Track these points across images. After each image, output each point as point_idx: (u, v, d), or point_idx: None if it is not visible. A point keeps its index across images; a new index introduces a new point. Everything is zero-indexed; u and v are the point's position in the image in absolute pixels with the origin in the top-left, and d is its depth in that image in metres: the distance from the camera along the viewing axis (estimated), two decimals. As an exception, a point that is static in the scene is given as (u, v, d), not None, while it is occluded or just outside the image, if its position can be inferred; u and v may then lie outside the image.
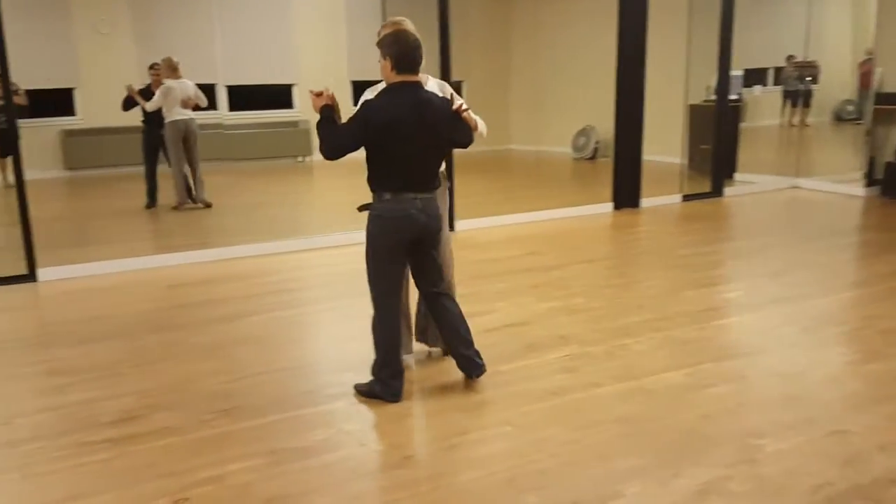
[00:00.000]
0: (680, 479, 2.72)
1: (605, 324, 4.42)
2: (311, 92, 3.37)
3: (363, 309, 4.86)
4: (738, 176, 9.30)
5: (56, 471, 2.89)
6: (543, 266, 5.80)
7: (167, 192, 7.85)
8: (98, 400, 3.51)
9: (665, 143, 8.75)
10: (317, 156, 10.85)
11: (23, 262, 5.63)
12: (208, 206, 7.83)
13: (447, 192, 3.83)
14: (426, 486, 2.72)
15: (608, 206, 8.07)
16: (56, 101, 8.65)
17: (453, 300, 3.65)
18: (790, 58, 9.90)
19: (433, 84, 3.58)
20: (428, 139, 3.31)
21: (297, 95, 10.35)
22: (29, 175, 5.61)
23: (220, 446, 3.05)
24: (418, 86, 3.31)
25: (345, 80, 10.80)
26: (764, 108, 10.36)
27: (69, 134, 8.66)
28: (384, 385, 3.43)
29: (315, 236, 6.67)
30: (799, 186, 9.15)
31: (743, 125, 9.51)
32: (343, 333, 4.44)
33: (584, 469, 2.81)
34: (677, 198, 8.45)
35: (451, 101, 3.39)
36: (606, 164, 8.61)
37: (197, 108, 7.79)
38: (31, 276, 5.65)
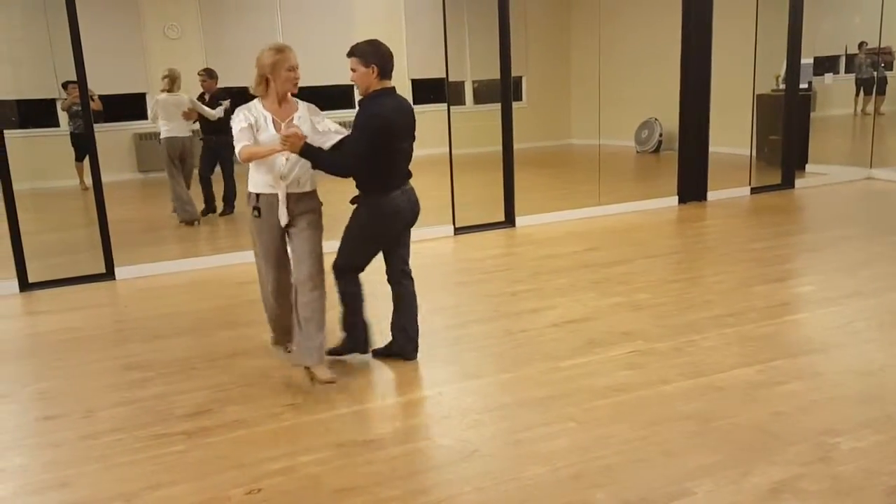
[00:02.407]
0: (752, 477, 2.66)
1: (671, 320, 4.35)
2: (283, 137, 3.41)
3: (428, 305, 4.90)
4: (809, 167, 9.01)
5: (135, 461, 3.01)
6: (606, 262, 5.74)
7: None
8: (173, 394, 3.64)
9: (732, 135, 8.53)
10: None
11: (101, 262, 5.87)
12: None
13: None
14: (492, 481, 2.73)
15: (673, 200, 7.92)
16: (129, 106, 8.97)
17: (413, 282, 3.96)
18: (863, 44, 9.52)
19: (303, 107, 3.65)
20: (411, 137, 3.74)
21: (358, 96, 10.48)
22: (105, 178, 5.84)
23: (289, 439, 3.13)
24: (395, 90, 3.66)
25: (404, 78, 10.91)
26: (835, 96, 9.99)
27: (142, 137, 8.96)
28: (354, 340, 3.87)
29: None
30: (873, 177, 8.81)
31: (814, 115, 9.20)
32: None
33: (652, 466, 2.78)
34: (746, 190, 8.24)
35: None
36: (671, 157, 8.45)
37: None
38: (109, 275, 5.88)
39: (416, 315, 3.94)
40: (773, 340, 3.97)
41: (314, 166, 3.54)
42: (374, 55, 3.53)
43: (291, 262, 3.68)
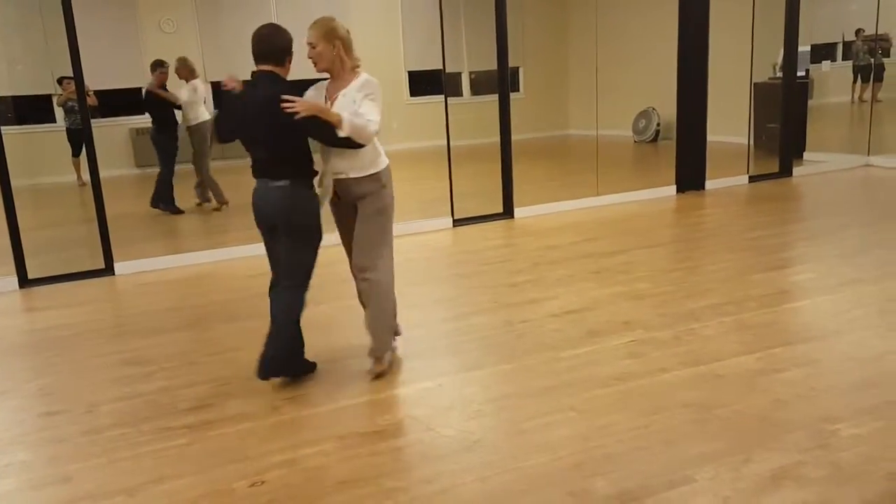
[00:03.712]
0: (752, 464, 2.68)
1: (670, 308, 4.36)
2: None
3: (427, 296, 4.93)
4: (807, 155, 9.01)
5: (139, 455, 3.02)
6: (605, 252, 5.74)
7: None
8: (174, 388, 3.65)
9: (730, 123, 8.52)
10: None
11: (100, 257, 5.87)
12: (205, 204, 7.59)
13: None
14: (494, 470, 2.74)
15: (671, 190, 7.93)
16: (125, 101, 8.94)
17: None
18: (860, 31, 9.50)
19: (357, 83, 3.47)
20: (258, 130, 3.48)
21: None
22: (102, 173, 5.83)
23: (292, 431, 3.14)
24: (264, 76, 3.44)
25: (401, 70, 10.87)
26: (833, 84, 9.98)
27: (139, 132, 8.94)
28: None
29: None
30: (871, 164, 8.81)
31: (811, 102, 9.19)
32: (408, 320, 4.48)
33: (653, 454, 2.79)
34: (744, 179, 8.25)
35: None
36: (669, 146, 8.45)
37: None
38: (108, 270, 5.88)
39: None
40: (772, 328, 3.99)
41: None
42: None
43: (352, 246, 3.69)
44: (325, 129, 3.28)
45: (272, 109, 3.22)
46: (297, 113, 3.18)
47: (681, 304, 4.44)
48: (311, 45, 3.41)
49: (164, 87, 7.50)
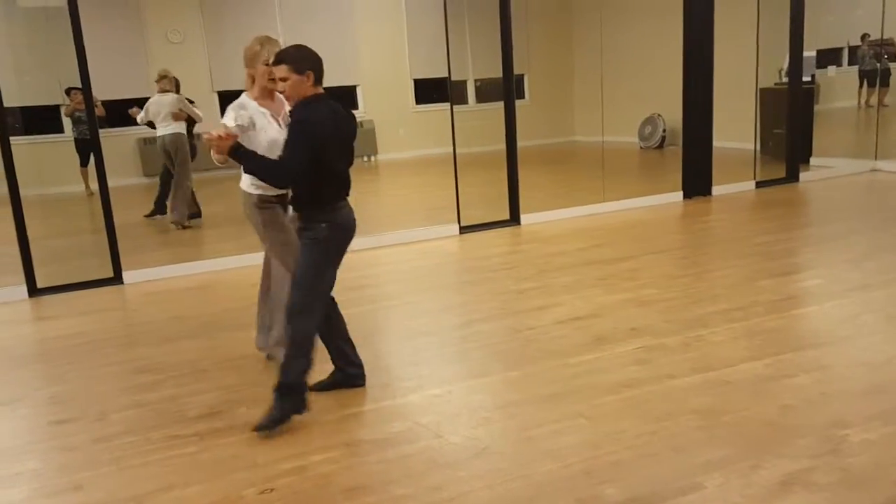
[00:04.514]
0: (762, 470, 2.67)
1: (678, 315, 4.36)
2: (211, 136, 3.10)
3: (435, 304, 4.94)
4: (813, 160, 9.00)
5: (148, 463, 3.03)
6: (611, 258, 5.74)
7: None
8: (184, 396, 3.66)
9: (736, 129, 8.52)
10: (382, 155, 10.91)
11: (109, 266, 5.89)
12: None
13: None
14: (503, 478, 2.74)
15: (678, 196, 7.93)
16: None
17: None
18: (865, 36, 9.50)
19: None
20: (350, 147, 3.40)
21: (361, 96, 10.50)
22: (110, 183, 5.85)
23: (300, 439, 3.15)
24: (327, 97, 3.29)
25: (407, 78, 10.91)
26: (839, 89, 9.98)
27: (146, 142, 9.00)
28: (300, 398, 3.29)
29: (385, 233, 6.77)
30: (879, 169, 8.79)
31: (817, 108, 9.19)
32: (416, 328, 4.50)
33: (662, 461, 2.79)
34: (751, 184, 8.23)
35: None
36: (674, 152, 8.46)
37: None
38: (117, 279, 5.91)
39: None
40: (780, 334, 3.98)
41: (246, 170, 3.31)
42: (309, 59, 3.18)
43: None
44: None
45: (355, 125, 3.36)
46: None
47: (688, 310, 4.43)
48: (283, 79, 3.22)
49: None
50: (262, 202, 3.67)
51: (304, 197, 3.30)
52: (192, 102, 7.57)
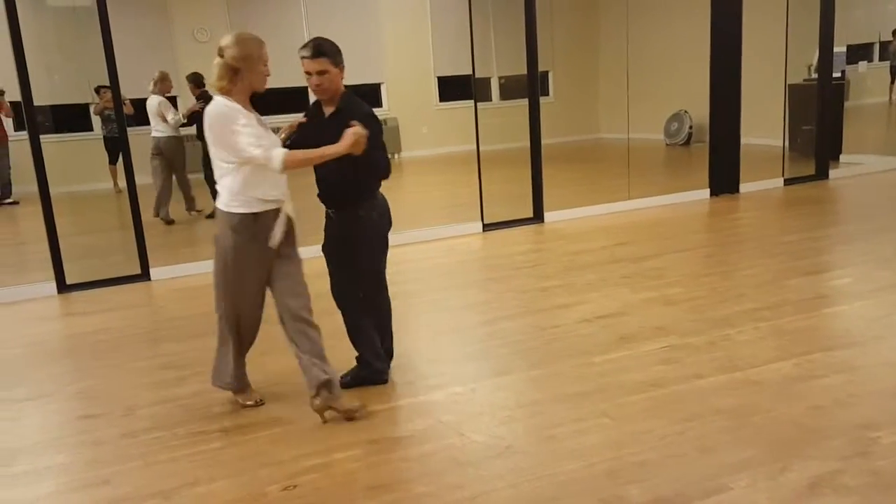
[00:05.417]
0: (790, 472, 2.63)
1: (705, 314, 4.31)
2: (360, 132, 3.02)
3: (458, 301, 4.93)
4: (843, 157, 8.86)
5: (174, 459, 3.06)
6: (636, 256, 5.69)
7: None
8: (209, 392, 3.69)
9: (764, 126, 8.41)
10: (406, 153, 10.92)
11: (137, 263, 5.97)
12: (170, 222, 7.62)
13: None
14: (525, 477, 2.73)
15: (704, 193, 7.84)
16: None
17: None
18: (897, 31, 9.34)
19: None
20: None
21: (386, 94, 10.51)
22: (138, 180, 5.93)
23: (324, 436, 3.16)
24: None
25: (430, 76, 10.91)
26: (869, 85, 9.81)
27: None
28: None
29: (409, 231, 6.77)
30: (911, 166, 8.63)
31: (847, 104, 9.03)
32: (439, 325, 4.50)
33: (688, 462, 2.76)
34: (779, 182, 8.13)
35: None
36: (701, 149, 8.36)
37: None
38: (145, 276, 5.98)
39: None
40: (808, 334, 3.92)
41: (370, 160, 3.17)
42: (340, 54, 3.19)
43: (280, 292, 3.32)
44: None
45: None
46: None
47: (715, 309, 4.38)
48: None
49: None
50: (242, 226, 3.13)
51: (361, 185, 3.36)
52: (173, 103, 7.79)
